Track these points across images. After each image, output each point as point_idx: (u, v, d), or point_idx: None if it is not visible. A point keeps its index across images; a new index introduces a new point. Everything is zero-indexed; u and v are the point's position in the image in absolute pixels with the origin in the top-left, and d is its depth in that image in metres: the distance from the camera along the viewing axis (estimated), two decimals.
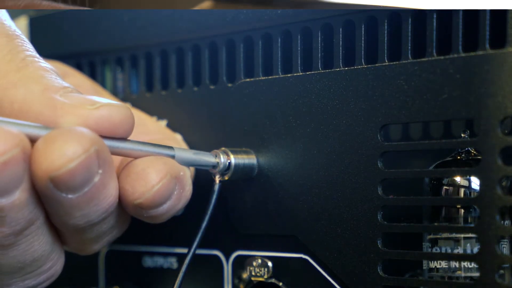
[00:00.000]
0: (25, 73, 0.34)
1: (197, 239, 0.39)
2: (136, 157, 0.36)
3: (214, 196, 0.40)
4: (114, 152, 0.35)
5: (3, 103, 0.33)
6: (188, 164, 0.38)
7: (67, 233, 0.36)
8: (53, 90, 0.34)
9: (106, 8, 0.44)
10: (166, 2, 0.45)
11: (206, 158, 0.39)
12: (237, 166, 0.40)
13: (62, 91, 0.34)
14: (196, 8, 0.44)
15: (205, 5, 0.43)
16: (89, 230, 0.35)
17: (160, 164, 0.35)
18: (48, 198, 0.32)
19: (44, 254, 0.35)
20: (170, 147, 0.37)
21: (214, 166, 0.39)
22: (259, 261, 0.41)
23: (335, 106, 0.38)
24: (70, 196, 0.32)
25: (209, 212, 0.40)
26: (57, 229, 0.35)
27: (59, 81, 0.34)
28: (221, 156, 0.39)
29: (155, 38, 0.46)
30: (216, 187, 0.40)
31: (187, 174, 0.38)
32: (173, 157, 0.37)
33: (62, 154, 0.30)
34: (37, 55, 0.36)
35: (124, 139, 0.35)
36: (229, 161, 0.39)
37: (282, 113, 0.40)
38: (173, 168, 0.36)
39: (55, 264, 0.37)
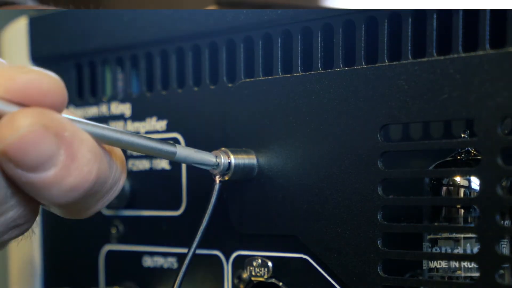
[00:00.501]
0: None
1: (197, 239, 0.39)
2: (135, 151, 0.35)
3: (215, 196, 0.40)
4: (110, 143, 0.34)
5: None
6: (189, 162, 0.38)
7: None
8: None
9: (110, 8, 0.44)
10: (172, 3, 0.45)
11: (207, 157, 0.39)
12: (237, 166, 0.40)
13: None
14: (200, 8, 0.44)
15: (210, 7, 0.43)
16: None
17: (34, 111, 0.31)
18: None
19: None
20: (173, 144, 0.37)
21: (215, 166, 0.39)
22: (259, 261, 0.41)
23: (335, 106, 0.38)
24: None
25: (209, 212, 0.40)
26: None
27: None
28: (222, 156, 0.39)
29: (155, 38, 0.46)
30: (217, 187, 0.40)
31: (84, 147, 0.32)
32: (174, 154, 0.37)
33: None
34: None
35: (123, 131, 0.35)
36: (229, 161, 0.39)
37: (282, 113, 0.40)
38: (54, 122, 0.31)
39: None
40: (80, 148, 0.32)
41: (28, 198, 0.33)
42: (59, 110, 0.32)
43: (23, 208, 0.33)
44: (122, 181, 0.35)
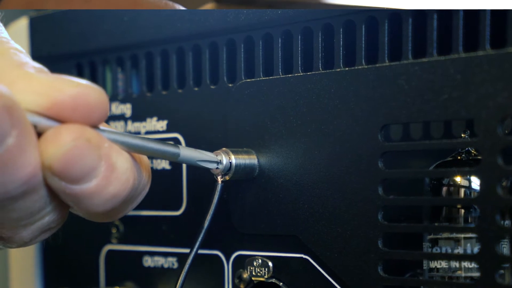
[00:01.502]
0: None
1: (199, 239, 0.39)
2: (137, 153, 0.35)
3: (216, 196, 0.40)
4: None
5: None
6: (191, 163, 0.38)
7: None
8: (29, 66, 0.33)
9: (109, 8, 0.44)
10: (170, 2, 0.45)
11: (209, 158, 0.39)
12: (238, 166, 0.40)
13: (38, 69, 0.33)
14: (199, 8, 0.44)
15: (207, 6, 0.43)
16: (10, 206, 0.32)
17: (75, 126, 0.32)
18: None
19: None
20: (176, 145, 0.37)
21: (216, 166, 0.39)
22: (260, 261, 0.41)
23: (336, 106, 0.38)
24: None
25: (211, 212, 0.40)
26: None
27: (32, 61, 0.34)
28: (223, 156, 0.39)
29: (155, 38, 0.46)
30: (219, 187, 0.40)
31: (121, 157, 0.34)
32: (178, 155, 0.37)
33: None
34: (8, 37, 0.35)
35: (125, 133, 0.35)
36: (230, 161, 0.40)
37: (283, 114, 0.40)
38: (94, 136, 0.32)
39: None
40: (118, 158, 0.33)
41: (62, 203, 0.34)
42: (100, 122, 0.33)
43: (57, 213, 0.34)
44: (148, 186, 0.37)
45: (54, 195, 0.33)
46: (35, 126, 0.31)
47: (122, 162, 0.33)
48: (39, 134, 0.32)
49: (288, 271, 0.41)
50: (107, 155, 0.33)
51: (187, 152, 0.37)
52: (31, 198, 0.32)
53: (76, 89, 0.32)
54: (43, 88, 0.32)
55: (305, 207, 0.39)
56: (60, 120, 0.32)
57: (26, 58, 0.34)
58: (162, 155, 0.36)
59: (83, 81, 0.32)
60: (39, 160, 0.31)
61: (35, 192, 0.32)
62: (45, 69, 0.34)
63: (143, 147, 0.35)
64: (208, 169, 0.39)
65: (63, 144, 0.31)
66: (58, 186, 0.32)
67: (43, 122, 0.32)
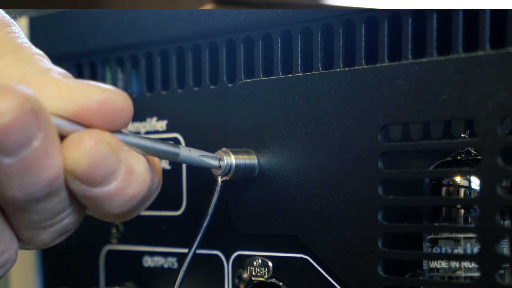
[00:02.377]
0: (23, 56, 0.34)
1: (198, 238, 0.39)
2: (138, 152, 0.36)
3: (216, 196, 0.40)
4: None
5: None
6: (191, 163, 0.38)
7: (10, 211, 0.33)
8: (54, 72, 0.33)
9: (109, 8, 0.44)
10: (169, 2, 0.45)
11: (209, 158, 0.39)
12: (238, 166, 0.40)
13: (63, 74, 0.34)
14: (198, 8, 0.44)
15: (206, 7, 0.43)
16: (32, 208, 0.33)
17: (96, 131, 0.33)
18: None
19: None
20: (176, 145, 0.37)
21: (217, 166, 0.39)
22: (260, 261, 0.41)
23: (336, 106, 0.38)
24: (7, 160, 0.30)
25: (210, 212, 0.40)
26: (2, 210, 0.33)
27: (56, 67, 0.34)
28: (223, 157, 0.39)
29: (155, 38, 0.46)
30: (218, 187, 0.40)
31: (139, 159, 0.35)
32: (178, 155, 0.37)
33: None
34: (30, 43, 0.36)
35: (125, 132, 0.35)
36: (230, 161, 0.40)
37: (282, 114, 0.40)
38: (114, 140, 0.33)
39: (8, 249, 0.34)
40: (136, 161, 0.34)
41: (80, 205, 0.35)
42: (124, 127, 0.34)
43: (75, 215, 0.35)
44: (160, 186, 0.38)
45: (73, 197, 0.34)
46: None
47: (140, 164, 0.34)
48: (61, 137, 0.32)
49: (288, 271, 0.41)
50: (126, 158, 0.34)
51: (187, 152, 0.38)
52: (53, 200, 0.33)
53: (103, 94, 0.33)
54: (72, 94, 0.33)
55: (305, 207, 0.39)
56: (86, 125, 0.33)
57: (50, 64, 0.35)
58: (162, 155, 0.36)
59: (109, 87, 0.33)
60: (62, 163, 0.32)
61: (56, 195, 0.33)
62: (69, 74, 0.34)
63: (142, 147, 0.35)
64: (208, 169, 0.39)
65: (86, 149, 0.32)
66: (79, 189, 0.33)
67: (67, 125, 0.32)
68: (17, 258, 0.35)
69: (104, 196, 0.34)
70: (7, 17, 0.37)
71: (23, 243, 0.35)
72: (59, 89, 0.32)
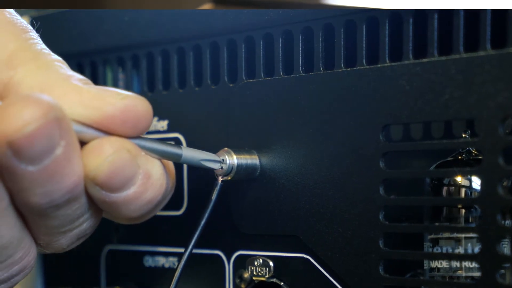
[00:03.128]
0: (43, 62, 0.34)
1: (195, 236, 0.39)
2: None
3: (215, 195, 0.40)
4: None
5: (21, 88, 0.34)
6: (194, 163, 0.38)
7: (31, 217, 0.34)
8: (75, 79, 0.34)
9: (110, 7, 0.44)
10: (170, 2, 0.45)
11: (211, 158, 0.39)
12: (239, 166, 0.40)
13: (83, 81, 0.34)
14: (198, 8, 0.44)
15: (206, 6, 0.43)
16: (53, 214, 0.33)
17: (115, 138, 0.34)
18: (8, 170, 0.31)
19: (13, 241, 0.33)
20: (178, 146, 0.37)
21: (219, 166, 0.39)
22: (261, 260, 0.42)
23: (337, 106, 0.38)
24: (30, 168, 0.30)
25: (209, 210, 0.40)
26: (23, 216, 0.34)
27: (76, 73, 0.35)
28: (225, 157, 0.39)
29: (156, 38, 0.46)
30: (218, 186, 0.40)
31: (155, 164, 0.36)
32: (180, 156, 0.37)
33: (20, 117, 0.29)
34: (48, 49, 0.36)
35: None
36: (232, 161, 0.40)
37: (284, 114, 0.40)
38: (133, 146, 0.34)
39: (27, 254, 0.35)
40: (153, 166, 0.35)
41: (97, 210, 0.36)
42: (144, 133, 0.35)
43: (93, 219, 0.36)
44: (173, 189, 0.38)
45: (91, 202, 0.35)
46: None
47: (157, 169, 0.35)
48: (81, 143, 0.33)
49: (289, 271, 0.41)
50: (144, 164, 0.35)
51: (189, 153, 0.38)
52: (72, 206, 0.34)
53: (125, 101, 0.33)
54: (94, 101, 0.33)
55: (306, 207, 0.39)
56: (107, 132, 0.33)
57: (70, 70, 0.35)
58: (164, 156, 0.37)
59: (130, 93, 0.34)
60: (82, 170, 0.33)
61: (76, 201, 0.34)
62: (89, 80, 0.35)
63: (145, 148, 0.35)
64: (210, 170, 0.39)
65: (106, 156, 0.33)
66: (98, 195, 0.34)
67: (88, 132, 0.33)
68: (35, 263, 0.36)
69: (123, 201, 0.34)
70: (24, 22, 0.37)
71: (41, 247, 0.36)
72: (80, 97, 0.33)
